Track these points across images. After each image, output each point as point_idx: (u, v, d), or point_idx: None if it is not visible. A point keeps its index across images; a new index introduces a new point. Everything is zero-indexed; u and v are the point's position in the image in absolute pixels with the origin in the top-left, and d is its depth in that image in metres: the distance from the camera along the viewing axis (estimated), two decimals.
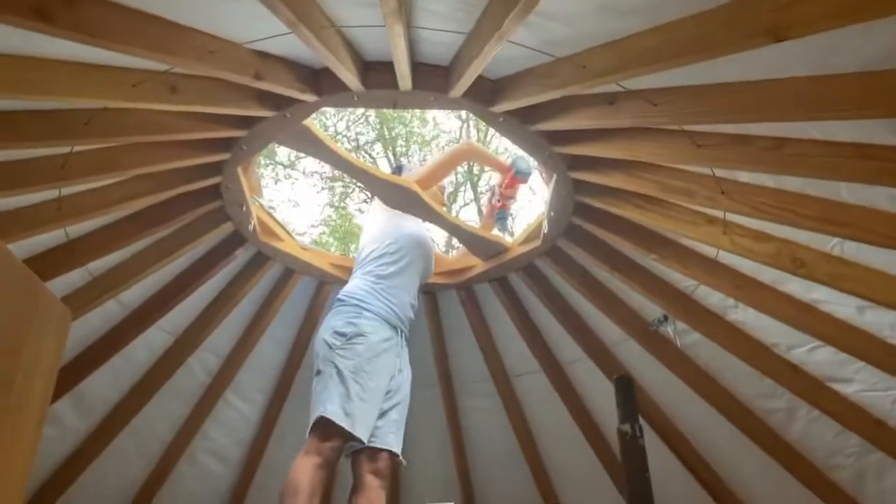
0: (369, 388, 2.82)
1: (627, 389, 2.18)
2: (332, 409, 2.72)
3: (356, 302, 3.09)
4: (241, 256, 3.78)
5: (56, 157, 2.75)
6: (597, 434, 4.19)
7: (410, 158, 12.22)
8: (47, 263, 3.21)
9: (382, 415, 2.94)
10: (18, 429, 1.13)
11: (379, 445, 2.90)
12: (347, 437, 2.72)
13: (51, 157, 2.75)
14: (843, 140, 2.34)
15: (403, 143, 12.38)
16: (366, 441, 2.76)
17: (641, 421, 2.97)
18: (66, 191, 2.96)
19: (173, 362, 4.00)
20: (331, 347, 2.92)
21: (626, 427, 2.08)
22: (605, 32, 2.29)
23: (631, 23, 2.20)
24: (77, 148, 2.77)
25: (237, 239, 3.67)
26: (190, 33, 2.29)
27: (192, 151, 3.03)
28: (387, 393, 2.98)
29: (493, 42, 2.22)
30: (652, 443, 3.78)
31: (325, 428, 2.72)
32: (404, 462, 3.03)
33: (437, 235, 10.49)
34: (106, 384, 3.88)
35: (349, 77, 2.61)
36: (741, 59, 2.10)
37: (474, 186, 12.35)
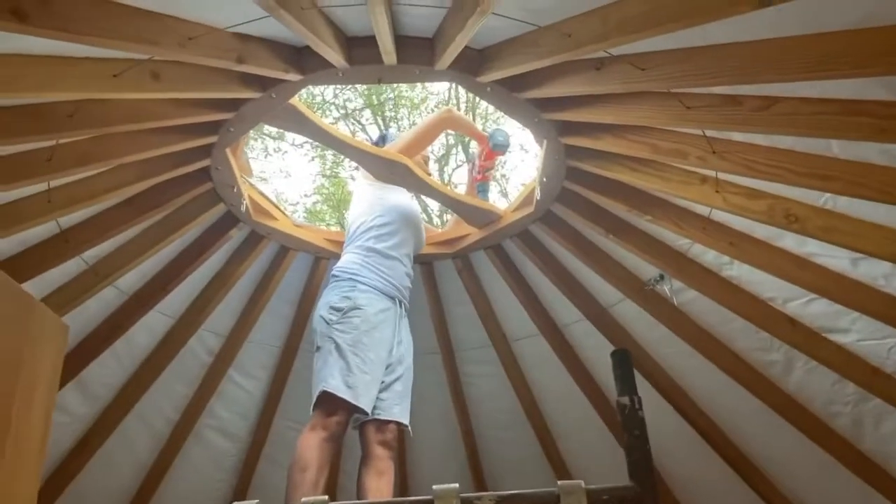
0: (369, 359, 2.85)
1: (625, 363, 2.19)
2: (333, 383, 2.76)
3: (350, 276, 3.11)
4: (236, 236, 3.78)
5: (42, 150, 2.73)
6: (598, 393, 4.24)
7: (399, 124, 12.14)
8: (42, 255, 3.21)
9: (386, 387, 2.98)
10: (23, 437, 1.14)
11: (385, 417, 2.95)
12: (352, 409, 2.76)
13: (36, 150, 2.73)
14: (835, 97, 2.33)
15: (392, 108, 12.27)
16: (370, 412, 2.80)
17: (642, 381, 3.01)
18: (54, 182, 2.94)
19: (175, 344, 4.02)
20: (328, 323, 2.94)
21: (625, 399, 2.10)
22: (589, 1, 2.25)
23: None
24: (62, 140, 2.74)
25: (230, 219, 3.66)
26: (169, 21, 2.26)
27: (179, 136, 3.01)
28: (388, 365, 3.01)
29: (476, 16, 2.19)
30: (652, 399, 3.88)
31: (328, 402, 2.76)
32: (411, 432, 3.07)
33: (431, 205, 10.48)
34: (109, 370, 3.90)
35: (333, 55, 2.58)
36: (730, 20, 2.08)
37: (465, 148, 12.28)
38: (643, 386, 3.21)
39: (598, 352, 4.08)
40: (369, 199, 3.51)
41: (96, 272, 3.45)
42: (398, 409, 3.01)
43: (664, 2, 2.07)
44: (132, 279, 3.69)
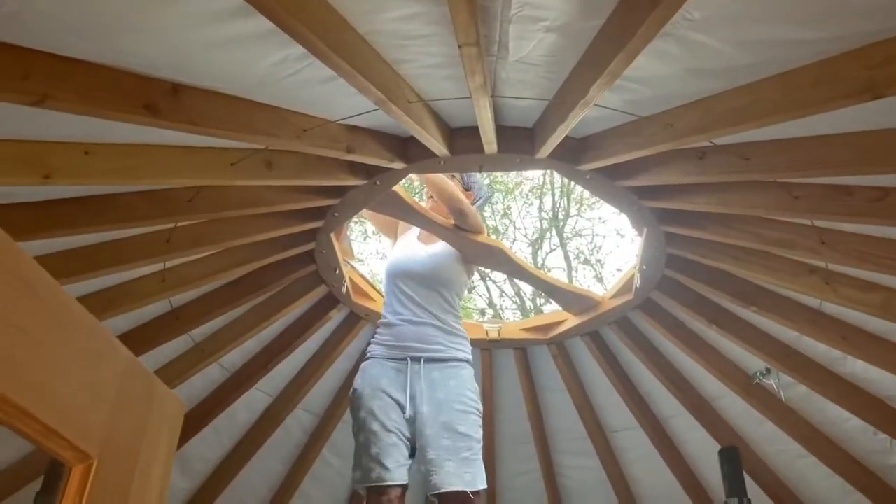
0: (373, 431, 2.67)
1: (733, 461, 2.09)
2: (353, 476, 2.67)
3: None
4: (335, 317, 3.87)
5: (161, 232, 2.90)
6: (700, 491, 4.04)
7: (493, 208, 12.26)
8: (153, 331, 3.37)
9: (420, 459, 2.70)
10: None
11: (430, 492, 2.63)
12: (376, 488, 2.57)
13: (156, 232, 2.90)
14: None
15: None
16: (391, 481, 2.55)
17: (747, 481, 2.85)
18: (169, 263, 3.11)
19: (272, 422, 4.10)
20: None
21: (734, 501, 1.99)
22: (691, 93, 2.26)
23: (715, 84, 2.18)
24: (180, 223, 2.91)
25: (331, 300, 3.76)
26: (285, 114, 2.39)
27: (287, 221, 3.14)
28: (413, 432, 2.74)
29: (579, 108, 2.23)
30: (759, 501, 3.65)
31: (367, 496, 2.65)
32: (471, 495, 2.64)
33: (525, 288, 10.33)
34: (209, 445, 4.00)
35: (436, 145, 2.65)
36: (832, 112, 2.04)
37: (560, 232, 12.26)
38: (749, 486, 3.03)
39: (700, 447, 3.91)
40: None
41: (202, 349, 3.58)
42: (436, 479, 2.59)
43: (767, 94, 2.06)
44: (235, 357, 3.81)
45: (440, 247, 3.27)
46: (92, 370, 1.11)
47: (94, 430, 1.13)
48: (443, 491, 2.56)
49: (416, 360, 2.87)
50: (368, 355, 2.97)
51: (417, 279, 3.10)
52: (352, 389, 2.86)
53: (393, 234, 3.49)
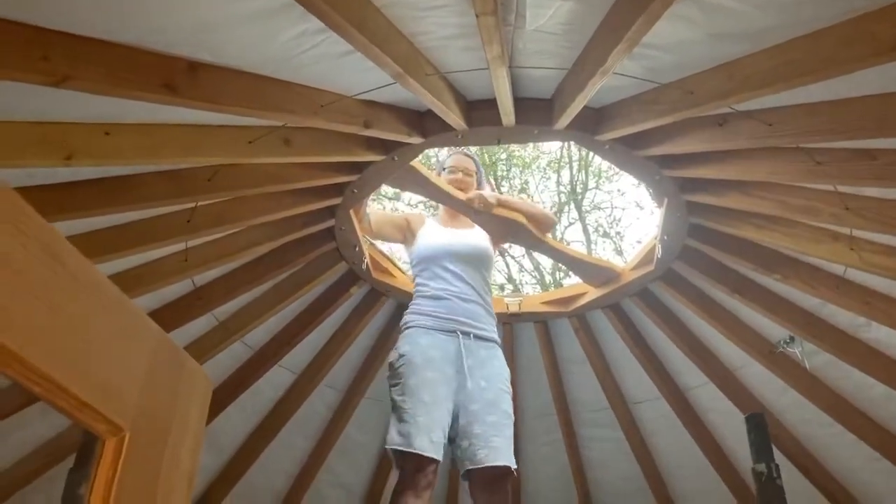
0: (422, 402, 2.66)
1: (760, 428, 2.07)
2: (389, 437, 2.65)
3: (403, 325, 3.03)
4: (356, 294, 3.88)
5: (182, 212, 2.92)
6: (724, 460, 4.04)
7: (510, 183, 12.21)
8: (178, 311, 3.40)
9: (465, 432, 2.73)
10: (169, 494, 1.19)
11: (471, 466, 2.68)
12: (417, 457, 2.58)
13: (177, 213, 2.91)
14: None
15: (504, 167, 12.40)
16: (433, 455, 2.57)
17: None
18: (191, 242, 3.13)
19: (297, 398, 4.14)
20: (388, 383, 2.86)
21: (762, 467, 1.98)
22: (713, 58, 2.23)
23: (738, 48, 2.15)
24: (201, 203, 2.92)
25: (351, 277, 3.77)
26: (302, 90, 2.39)
27: (306, 198, 3.15)
28: (456, 404, 2.77)
29: (598, 77, 2.21)
30: (783, 469, 3.65)
31: (397, 459, 2.64)
32: (515, 472, 2.75)
33: (544, 262, 10.36)
34: (235, 422, 4.05)
35: (454, 118, 2.64)
36: (854, 74, 2.01)
37: (578, 206, 12.20)
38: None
39: (724, 417, 3.90)
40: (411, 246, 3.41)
41: (226, 328, 3.61)
42: (484, 453, 2.65)
43: (793, 56, 2.02)
44: (259, 335, 3.84)
45: (476, 231, 3.36)
46: (123, 346, 1.13)
47: (126, 404, 1.14)
48: (490, 465, 2.62)
49: (466, 335, 2.91)
50: (412, 324, 2.95)
51: (465, 259, 3.15)
52: (398, 354, 2.85)
53: (400, 237, 3.47)
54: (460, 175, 3.44)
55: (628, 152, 2.89)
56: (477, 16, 1.92)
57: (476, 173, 3.55)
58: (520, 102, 2.71)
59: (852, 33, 1.88)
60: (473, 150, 3.68)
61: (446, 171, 3.50)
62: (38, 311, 0.91)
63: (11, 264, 0.82)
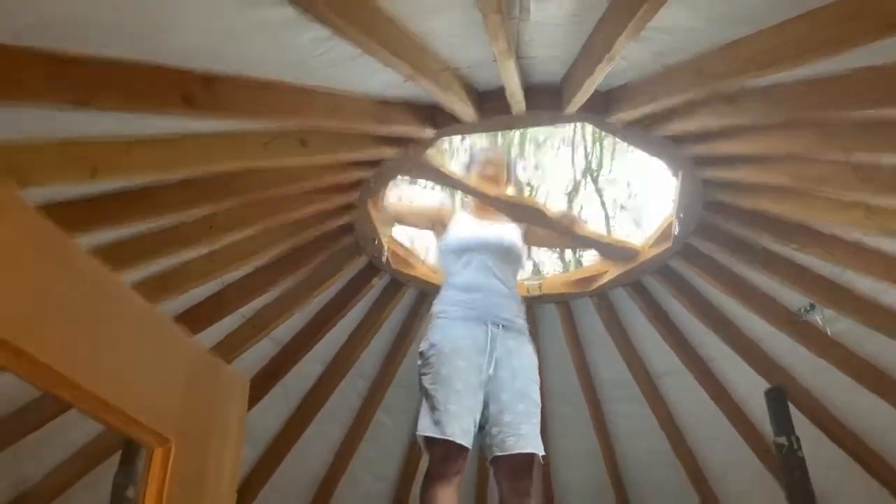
0: (454, 390, 2.71)
1: (780, 401, 2.11)
2: (421, 424, 2.70)
3: (432, 315, 3.07)
4: (377, 285, 3.95)
5: (204, 218, 2.98)
6: (752, 430, 4.07)
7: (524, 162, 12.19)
8: (206, 311, 3.48)
9: (495, 420, 2.78)
10: (214, 497, 1.26)
11: (499, 453, 2.73)
12: (447, 444, 2.63)
13: (200, 219, 2.98)
14: None
15: (518, 147, 12.36)
16: (464, 443, 2.62)
17: (800, 417, 2.86)
18: (214, 245, 3.19)
19: (326, 389, 4.22)
20: (418, 372, 2.91)
21: (783, 440, 2.02)
22: (718, 39, 2.24)
23: (742, 30, 2.16)
24: (221, 207, 2.98)
25: (372, 270, 3.84)
26: (315, 94, 2.44)
27: (324, 196, 3.20)
28: (487, 393, 2.81)
29: (605, 63, 2.23)
30: (812, 435, 3.67)
31: (428, 447, 2.68)
32: (542, 460, 2.81)
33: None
34: (269, 414, 4.14)
35: (466, 110, 2.68)
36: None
37: (595, 181, 12.14)
38: (802, 422, 3.06)
39: (749, 387, 3.92)
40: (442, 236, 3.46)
41: (253, 325, 3.69)
42: (513, 441, 2.71)
43: (795, 35, 2.03)
44: (285, 330, 3.92)
45: (508, 225, 3.40)
46: (163, 361, 1.19)
47: (169, 415, 1.21)
48: (519, 452, 2.68)
49: (496, 325, 2.94)
50: (442, 314, 3.00)
51: (497, 252, 3.18)
52: (428, 344, 2.89)
53: (428, 225, 3.52)
54: (491, 169, 3.49)
55: (640, 132, 2.90)
56: (483, 15, 1.95)
57: (507, 166, 3.61)
58: (531, 88, 2.72)
59: (854, 10, 1.89)
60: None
61: (477, 163, 3.56)
62: (84, 335, 0.98)
63: (67, 305, 0.88)
